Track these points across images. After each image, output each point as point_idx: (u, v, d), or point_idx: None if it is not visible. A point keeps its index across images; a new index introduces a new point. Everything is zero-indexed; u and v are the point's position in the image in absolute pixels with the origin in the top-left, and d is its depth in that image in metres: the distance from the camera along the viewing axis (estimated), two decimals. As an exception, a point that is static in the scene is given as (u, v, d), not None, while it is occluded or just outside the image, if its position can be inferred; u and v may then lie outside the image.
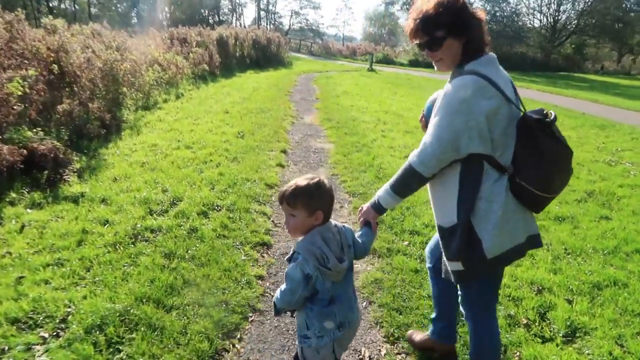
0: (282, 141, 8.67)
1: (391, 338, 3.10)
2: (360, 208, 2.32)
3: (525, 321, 3.25)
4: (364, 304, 3.48)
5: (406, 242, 4.48)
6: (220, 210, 4.94)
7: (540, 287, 3.74)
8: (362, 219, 2.31)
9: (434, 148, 1.99)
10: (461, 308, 2.38)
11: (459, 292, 2.35)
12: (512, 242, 2.08)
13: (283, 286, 1.93)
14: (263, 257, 4.13)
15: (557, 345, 3.02)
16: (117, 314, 2.95)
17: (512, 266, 4.12)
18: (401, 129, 10.55)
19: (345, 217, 5.20)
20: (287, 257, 1.97)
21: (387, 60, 42.16)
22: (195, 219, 4.58)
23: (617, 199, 6.48)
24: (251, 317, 3.23)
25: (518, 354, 2.89)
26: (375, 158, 7.65)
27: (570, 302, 3.58)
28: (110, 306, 3.01)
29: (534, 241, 2.16)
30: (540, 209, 2.12)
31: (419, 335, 2.97)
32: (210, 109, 11.05)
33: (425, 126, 2.37)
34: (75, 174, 5.69)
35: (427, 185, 2.20)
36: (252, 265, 3.91)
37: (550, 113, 1.98)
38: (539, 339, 3.09)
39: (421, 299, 3.48)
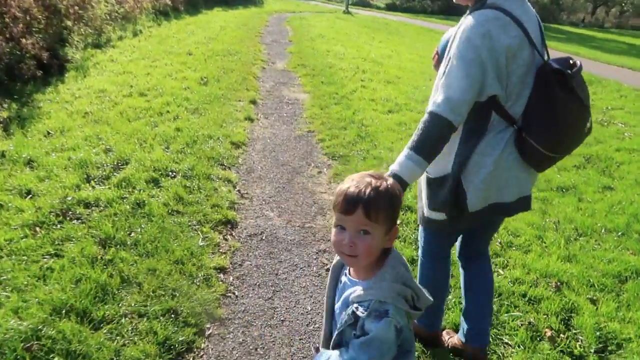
0: (252, 90, 7.72)
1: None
2: None
3: (549, 333, 2.65)
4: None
5: (397, 221, 3.79)
6: (174, 177, 4.10)
7: (558, 283, 3.15)
8: None
9: (464, 89, 1.77)
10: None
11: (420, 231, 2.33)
12: (498, 198, 1.98)
13: (360, 354, 1.30)
14: (226, 240, 3.37)
15: (591, 366, 2.45)
16: (22, 338, 2.16)
17: (521, 253, 3.52)
18: (382, 79, 9.70)
19: (324, 186, 4.46)
20: (361, 311, 1.31)
21: (364, 3, 40.25)
22: (142, 189, 3.74)
23: (617, 165, 5.98)
24: (208, 329, 2.51)
25: (549, 386, 2.29)
26: (356, 112, 6.85)
27: (594, 302, 3.01)
28: (13, 325, 2.22)
29: (525, 203, 2.06)
30: (543, 169, 2.01)
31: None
32: (171, 50, 9.87)
33: (437, 64, 2.17)
34: (0, 125, 4.70)
35: None
36: (212, 253, 3.15)
37: (576, 63, 1.84)
38: (567, 357, 2.50)
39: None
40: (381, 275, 1.34)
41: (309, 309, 2.77)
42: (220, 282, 2.88)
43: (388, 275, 1.34)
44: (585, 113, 1.88)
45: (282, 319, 2.67)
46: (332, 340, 1.45)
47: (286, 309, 2.75)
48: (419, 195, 2.24)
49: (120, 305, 2.50)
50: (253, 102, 7.05)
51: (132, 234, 3.15)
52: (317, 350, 1.59)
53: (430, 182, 2.07)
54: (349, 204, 1.29)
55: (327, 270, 3.11)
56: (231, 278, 2.96)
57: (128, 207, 3.45)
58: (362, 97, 7.96)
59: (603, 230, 4.06)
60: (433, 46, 2.48)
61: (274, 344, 2.47)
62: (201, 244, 3.20)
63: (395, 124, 6.53)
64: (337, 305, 1.47)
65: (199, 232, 3.33)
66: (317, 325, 2.63)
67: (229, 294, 2.81)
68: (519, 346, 2.54)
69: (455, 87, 1.78)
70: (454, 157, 1.96)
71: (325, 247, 3.40)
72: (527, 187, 2.05)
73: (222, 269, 3.01)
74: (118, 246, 2.99)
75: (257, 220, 3.70)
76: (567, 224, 4.10)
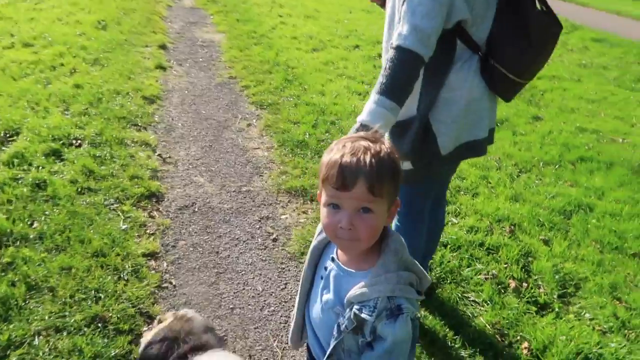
0: (159, 32, 6.87)
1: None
2: None
3: (513, 284, 2.56)
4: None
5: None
6: (80, 145, 3.47)
7: (511, 227, 3.07)
8: None
9: (431, 15, 1.53)
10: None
11: None
12: (471, 135, 1.80)
13: None
14: (152, 217, 2.92)
15: (558, 314, 2.38)
16: None
17: (470, 197, 3.41)
18: (300, 14, 9.10)
19: (256, 141, 4.03)
20: (367, 313, 1.06)
21: None
22: (41, 166, 3.11)
23: (541, 93, 6.07)
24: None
25: (526, 344, 2.19)
26: (280, 53, 6.32)
27: (547, 242, 2.98)
28: None
29: (492, 137, 1.91)
30: (512, 97, 1.86)
31: None
32: (55, -12, 8.51)
33: None
34: None
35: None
36: (138, 237, 2.70)
37: None
38: (533, 307, 2.43)
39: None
40: (384, 264, 1.08)
41: (260, 289, 2.46)
42: (153, 272, 2.47)
43: (392, 263, 1.09)
44: (557, 29, 1.71)
45: (231, 306, 2.34)
46: (328, 354, 1.17)
47: (234, 293, 2.42)
48: None
49: (30, 321, 2.03)
50: (162, 46, 6.27)
51: (35, 225, 2.60)
52: None
53: (392, 129, 1.80)
54: (347, 177, 1.01)
55: (274, 240, 2.80)
56: (165, 264, 2.56)
57: (25, 190, 2.84)
58: (283, 34, 7.38)
59: (541, 164, 4.07)
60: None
61: (226, 338, 2.16)
62: (123, 226, 2.72)
63: (322, 64, 6.11)
64: (327, 299, 1.18)
65: (119, 213, 2.84)
66: (272, 308, 2.34)
67: (165, 285, 2.42)
68: (487, 303, 2.42)
69: (420, 13, 1.53)
70: (419, 97, 1.74)
71: (268, 214, 3.06)
72: (494, 119, 1.92)
73: (152, 255, 2.59)
74: (18, 243, 2.44)
75: (185, 189, 3.25)
76: (507, 161, 4.06)
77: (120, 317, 2.12)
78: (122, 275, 2.37)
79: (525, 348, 2.15)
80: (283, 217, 3.04)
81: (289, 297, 2.43)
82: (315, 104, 4.71)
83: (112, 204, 2.91)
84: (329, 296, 1.18)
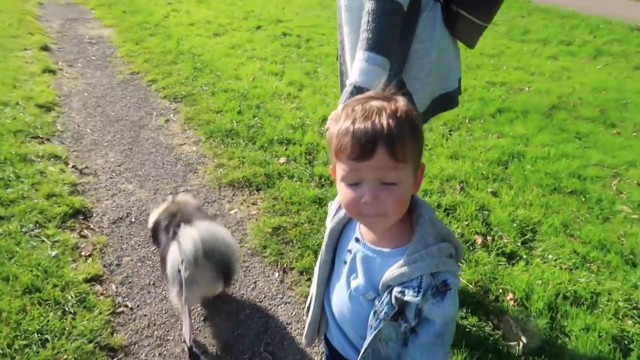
0: (37, 33, 6.11)
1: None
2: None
3: (479, 239, 2.58)
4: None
5: (283, 159, 3.32)
6: (-26, 169, 2.95)
7: (460, 184, 3.10)
8: None
9: None
10: None
11: None
12: (443, 88, 1.74)
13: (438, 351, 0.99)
14: (85, 237, 2.54)
15: (526, 260, 2.44)
16: None
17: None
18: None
19: (179, 136, 3.71)
20: (411, 295, 0.94)
21: None
22: None
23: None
24: (112, 368, 1.85)
25: (510, 295, 2.20)
26: (180, 42, 5.90)
27: (495, 194, 3.05)
28: None
29: (460, 87, 1.84)
30: (476, 43, 1.79)
31: None
32: None
33: None
34: None
35: (346, 38, 1.68)
36: (73, 261, 2.34)
37: None
38: (504, 258, 2.46)
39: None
40: (421, 238, 0.96)
41: (229, 294, 2.24)
42: (102, 298, 2.15)
43: (429, 235, 0.97)
44: None
45: (202, 317, 2.11)
46: (365, 347, 1.02)
47: (202, 303, 2.18)
48: None
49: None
50: (45, 48, 5.57)
51: (-60, 270, 2.14)
52: None
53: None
54: (364, 144, 0.88)
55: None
56: (113, 287, 2.24)
57: None
58: (178, 22, 6.92)
59: (467, 120, 4.18)
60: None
61: (206, 356, 1.93)
62: (52, 253, 2.34)
63: (228, 48, 5.80)
64: (356, 286, 1.03)
65: (43, 238, 2.44)
66: (248, 311, 2.14)
67: (120, 309, 2.12)
68: (461, 263, 2.41)
69: None
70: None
71: (214, 211, 2.81)
72: (460, 69, 1.86)
73: (96, 279, 2.25)
74: None
75: (114, 199, 2.88)
76: (436, 122, 4.11)
77: (78, 357, 1.81)
78: (66, 309, 2.03)
79: (511, 299, 2.17)
80: (232, 212, 2.81)
81: (262, 296, 2.23)
82: (234, 89, 4.44)
83: (32, 230, 2.49)
84: (358, 282, 1.04)
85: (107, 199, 2.87)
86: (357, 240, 1.05)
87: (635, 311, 2.16)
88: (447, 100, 1.78)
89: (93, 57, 5.46)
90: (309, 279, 2.29)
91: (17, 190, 2.78)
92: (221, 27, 6.79)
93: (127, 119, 3.95)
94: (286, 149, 3.43)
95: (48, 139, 3.50)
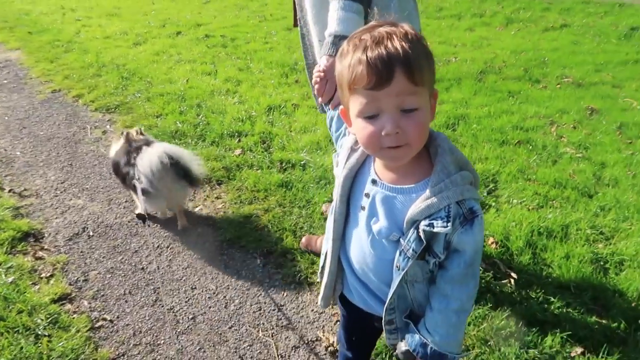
0: None
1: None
2: (318, 74, 1.29)
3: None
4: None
5: (238, 151, 3.22)
6: None
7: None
8: (329, 84, 1.28)
9: None
10: None
11: None
12: None
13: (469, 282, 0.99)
14: (41, 259, 2.32)
15: (496, 208, 2.53)
16: None
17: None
18: (101, 14, 8.21)
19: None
20: (441, 225, 0.92)
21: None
22: None
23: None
24: (105, 383, 1.70)
25: (491, 239, 2.27)
26: (100, 54, 5.59)
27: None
28: None
29: None
30: None
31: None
32: None
33: None
34: None
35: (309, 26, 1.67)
36: (34, 285, 2.13)
37: None
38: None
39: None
40: (443, 168, 0.93)
41: (214, 287, 2.14)
42: (75, 315, 1.97)
43: (451, 164, 0.94)
44: None
45: (190, 316, 1.99)
46: (392, 293, 1.00)
47: (186, 302, 2.07)
48: (308, 79, 1.83)
49: None
50: (-53, 77, 5.06)
51: None
52: None
53: None
54: (382, 69, 0.84)
55: (201, 235, 2.46)
56: (86, 302, 2.06)
57: None
58: (92, 36, 6.56)
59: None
60: None
61: (201, 353, 1.83)
62: (9, 280, 2.12)
63: (153, 55, 5.58)
64: (379, 229, 0.99)
65: (-5, 267, 2.21)
66: (237, 301, 2.06)
67: (99, 324, 1.95)
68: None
69: None
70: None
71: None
72: (419, 23, 1.83)
73: (65, 298, 2.06)
74: None
75: (65, 216, 2.66)
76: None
77: (65, 380, 1.65)
78: (38, 332, 1.85)
79: (492, 243, 2.23)
80: (197, 209, 2.69)
81: (248, 283, 2.15)
82: (170, 92, 4.27)
83: (-21, 260, 2.24)
84: (380, 224, 1.00)
85: (56, 218, 2.65)
86: (374, 182, 1.01)
87: (601, 235, 2.31)
88: None
89: (5, 81, 5.03)
90: (293, 259, 2.24)
91: (-50, 222, 2.49)
92: (139, 36, 6.51)
93: (59, 136, 3.68)
94: (239, 141, 3.34)
95: (-28, 167, 3.18)
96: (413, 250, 0.94)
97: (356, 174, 1.07)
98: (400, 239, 0.97)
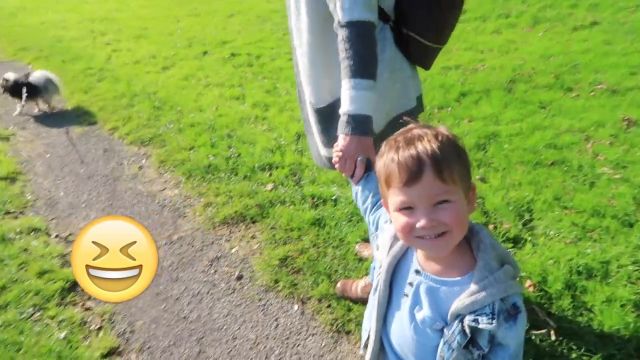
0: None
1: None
2: (336, 154, 1.37)
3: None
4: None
5: (270, 185, 3.28)
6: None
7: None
8: (349, 163, 1.36)
9: None
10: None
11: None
12: (400, 107, 1.69)
13: None
14: (89, 309, 2.44)
15: (532, 242, 2.50)
16: None
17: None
18: (129, 36, 8.42)
19: (158, 182, 3.61)
20: (486, 322, 0.94)
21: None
22: None
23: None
24: None
25: (529, 281, 2.25)
26: (131, 82, 5.75)
27: (484, 180, 3.11)
28: None
29: (421, 103, 1.81)
30: (430, 65, 1.77)
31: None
32: None
33: None
34: None
35: (300, 60, 1.70)
36: (85, 338, 2.24)
37: None
38: (510, 244, 2.51)
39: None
40: (486, 264, 0.97)
41: (254, 337, 2.20)
42: (126, 374, 2.07)
43: (492, 260, 0.97)
44: None
45: (233, 369, 2.06)
46: None
47: (228, 353, 2.13)
48: (306, 131, 1.89)
49: None
50: (-10, 115, 5.32)
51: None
52: None
53: (319, 113, 1.72)
54: (411, 168, 0.93)
55: (239, 279, 2.53)
56: (134, 356, 2.16)
57: None
58: (123, 62, 6.75)
59: (435, 110, 4.24)
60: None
61: (247, 407, 1.89)
62: (61, 335, 2.23)
63: (181, 80, 5.71)
64: (423, 318, 1.03)
65: (47, 321, 2.32)
66: (277, 351, 2.11)
67: (148, 380, 2.04)
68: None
69: None
70: (338, 76, 1.54)
71: (215, 254, 2.75)
72: (420, 87, 1.84)
73: (114, 352, 2.16)
74: None
75: (109, 262, 2.77)
76: (406, 117, 4.16)
77: None
78: (92, 394, 1.94)
79: (530, 285, 2.21)
80: (233, 250, 2.76)
81: (287, 332, 2.20)
82: (200, 122, 4.37)
83: (32, 315, 2.38)
84: (424, 313, 1.03)
85: (101, 264, 2.76)
86: (417, 272, 1.06)
87: (644, 271, 2.25)
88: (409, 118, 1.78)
89: (43, 115, 5.25)
90: (329, 306, 2.28)
91: (4, 274, 2.64)
92: (167, 59, 6.66)
93: (99, 173, 3.82)
94: (270, 175, 3.40)
95: (21, 212, 3.34)
96: (458, 342, 0.98)
97: (398, 261, 1.13)
98: (444, 329, 1.00)
